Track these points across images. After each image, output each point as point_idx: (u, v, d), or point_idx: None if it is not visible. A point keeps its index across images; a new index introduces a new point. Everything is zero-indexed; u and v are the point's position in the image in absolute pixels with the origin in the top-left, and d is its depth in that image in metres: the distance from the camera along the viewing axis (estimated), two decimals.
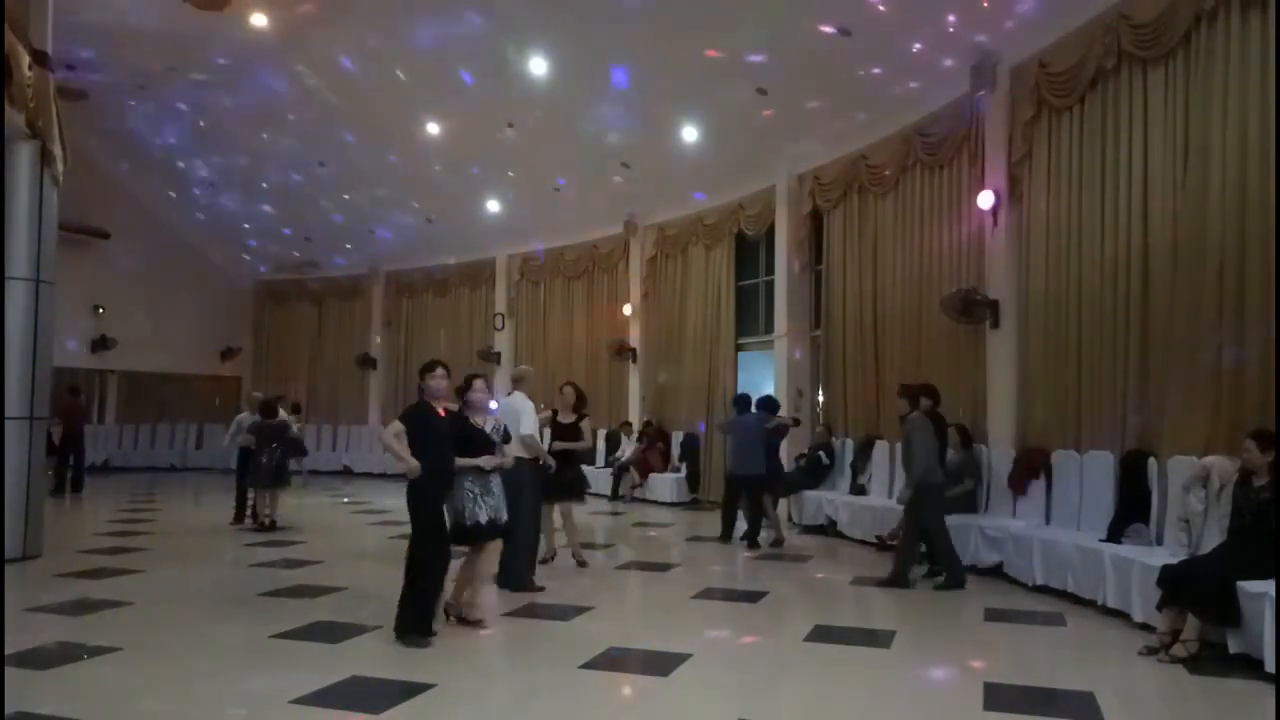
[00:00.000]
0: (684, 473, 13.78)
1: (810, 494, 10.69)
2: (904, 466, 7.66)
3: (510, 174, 15.08)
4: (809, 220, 12.11)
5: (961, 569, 7.39)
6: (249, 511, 10.85)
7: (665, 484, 13.66)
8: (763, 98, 10.79)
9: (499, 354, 17.70)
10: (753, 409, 9.87)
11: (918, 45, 9.25)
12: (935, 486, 7.45)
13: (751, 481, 9.56)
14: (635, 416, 14.99)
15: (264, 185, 17.54)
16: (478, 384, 6.27)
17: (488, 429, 6.09)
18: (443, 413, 5.75)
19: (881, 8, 8.86)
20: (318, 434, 19.29)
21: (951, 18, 8.69)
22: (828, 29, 9.25)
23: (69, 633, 5.65)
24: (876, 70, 9.89)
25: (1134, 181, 7.26)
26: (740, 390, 12.04)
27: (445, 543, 5.72)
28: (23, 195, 8.30)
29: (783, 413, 10.35)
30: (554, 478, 7.74)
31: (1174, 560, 5.52)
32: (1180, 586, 5.18)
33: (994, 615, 6.39)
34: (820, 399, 12.10)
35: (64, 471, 14.44)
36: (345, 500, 14.35)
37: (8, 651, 4.87)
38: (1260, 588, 4.84)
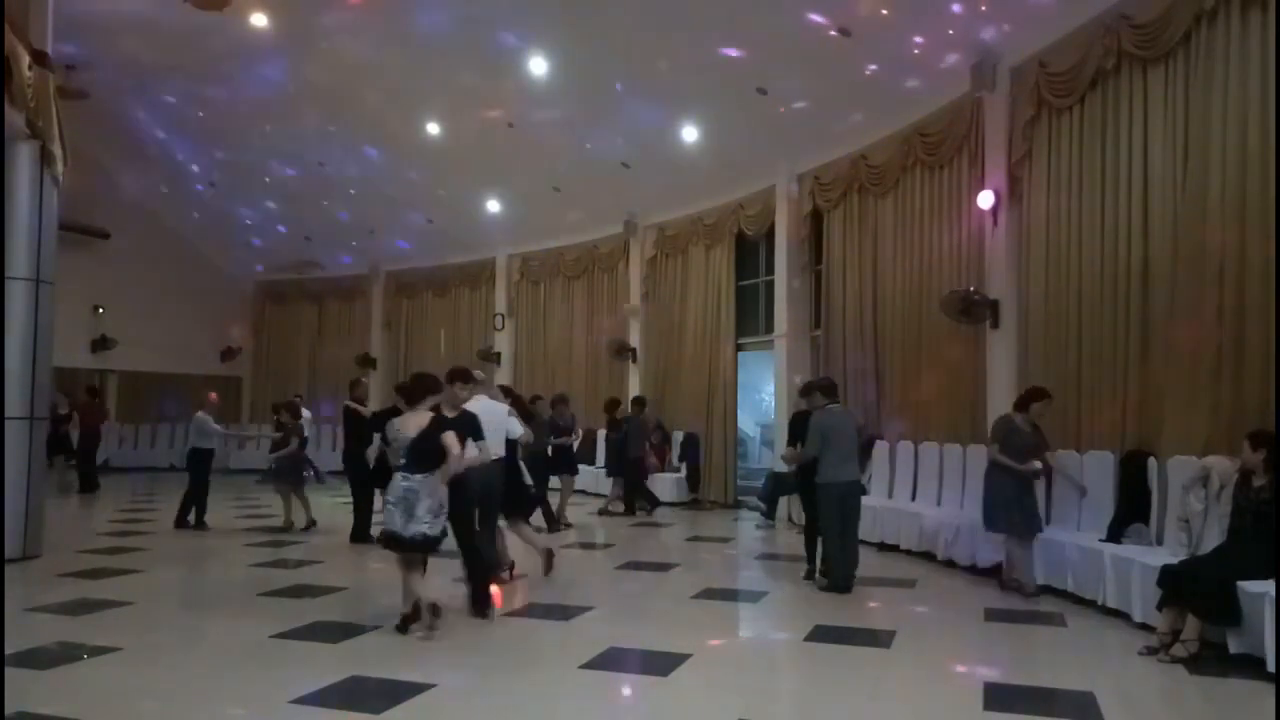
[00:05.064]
0: (684, 473, 13.79)
1: None
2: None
3: (510, 174, 15.06)
4: (809, 220, 12.11)
5: (843, 572, 7.20)
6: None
7: (665, 484, 13.62)
8: (763, 98, 10.79)
9: (499, 354, 17.68)
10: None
11: (918, 45, 9.25)
12: (823, 483, 7.33)
13: (639, 463, 12.62)
14: None
15: (264, 185, 17.54)
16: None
17: None
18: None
19: (882, 8, 8.86)
20: (318, 434, 19.23)
21: (951, 18, 8.69)
22: (829, 29, 9.25)
23: (69, 633, 5.64)
24: (876, 70, 9.88)
25: (1134, 182, 7.26)
26: (739, 390, 12.13)
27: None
28: (23, 195, 8.30)
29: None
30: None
31: (1174, 560, 5.52)
32: (1180, 586, 5.18)
33: (994, 615, 6.39)
34: None
35: (88, 471, 14.85)
36: (346, 500, 14.31)
37: (8, 651, 4.87)
38: (1260, 588, 4.85)
